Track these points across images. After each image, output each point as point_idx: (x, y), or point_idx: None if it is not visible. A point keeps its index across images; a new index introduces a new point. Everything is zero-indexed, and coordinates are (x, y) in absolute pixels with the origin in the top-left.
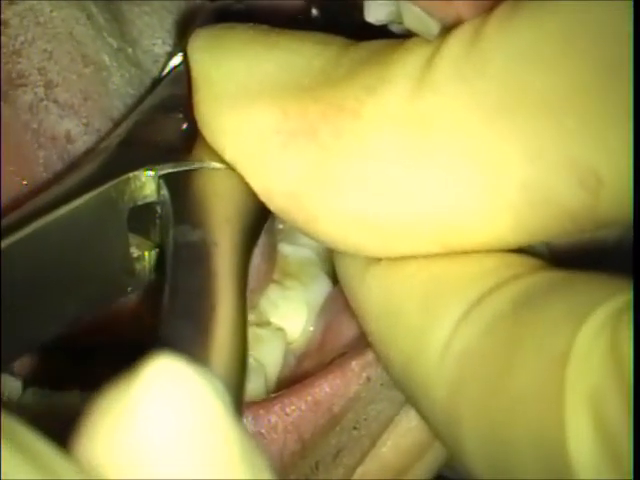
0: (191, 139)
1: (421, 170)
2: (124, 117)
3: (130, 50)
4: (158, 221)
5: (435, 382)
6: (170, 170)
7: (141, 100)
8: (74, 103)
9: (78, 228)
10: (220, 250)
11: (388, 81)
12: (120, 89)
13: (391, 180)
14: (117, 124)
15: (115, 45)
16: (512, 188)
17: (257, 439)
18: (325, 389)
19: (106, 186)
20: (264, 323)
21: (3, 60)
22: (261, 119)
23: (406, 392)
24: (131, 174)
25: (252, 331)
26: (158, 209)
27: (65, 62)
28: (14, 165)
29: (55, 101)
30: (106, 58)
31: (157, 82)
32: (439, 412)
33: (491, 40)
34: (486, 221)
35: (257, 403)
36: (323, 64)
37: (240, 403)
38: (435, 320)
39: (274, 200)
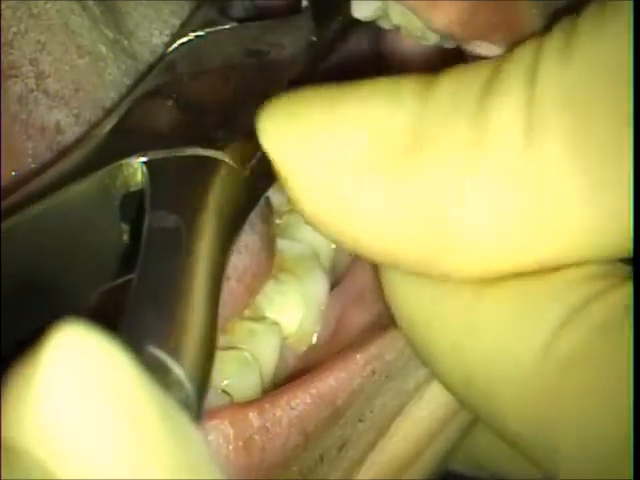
0: (184, 126)
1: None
2: (116, 105)
3: (126, 42)
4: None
5: (528, 393)
6: (159, 156)
7: (133, 87)
8: (65, 94)
9: (71, 215)
10: (196, 236)
11: (493, 133)
12: (117, 80)
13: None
14: (109, 111)
15: (111, 36)
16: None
17: (262, 433)
18: (330, 382)
19: (98, 173)
20: (259, 317)
21: None
22: (367, 202)
23: (481, 407)
24: (123, 161)
25: (247, 325)
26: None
27: (58, 53)
28: (3, 156)
29: (45, 92)
30: (103, 49)
31: (150, 69)
32: (529, 420)
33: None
34: (595, 236)
35: (263, 398)
36: (409, 121)
37: (204, 394)
38: (531, 326)
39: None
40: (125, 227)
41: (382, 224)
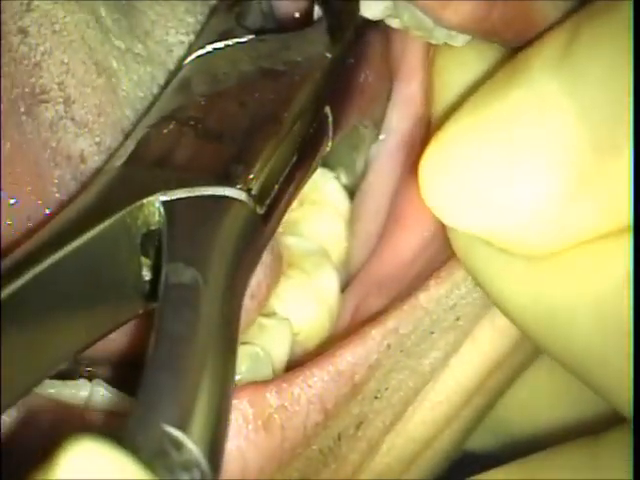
0: (202, 158)
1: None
2: (133, 127)
3: (140, 46)
4: None
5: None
6: (179, 196)
7: (150, 107)
8: (89, 120)
9: (93, 255)
10: (210, 291)
11: None
12: (130, 94)
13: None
14: (126, 136)
15: (123, 46)
16: None
17: (281, 412)
18: (347, 358)
19: (121, 213)
20: (270, 313)
21: (27, 73)
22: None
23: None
24: (145, 200)
25: (257, 321)
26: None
27: (80, 74)
28: (31, 185)
29: (73, 119)
30: (114, 63)
31: (166, 84)
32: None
33: None
34: None
35: (280, 377)
36: None
37: (218, 468)
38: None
39: None
40: (146, 261)
41: None
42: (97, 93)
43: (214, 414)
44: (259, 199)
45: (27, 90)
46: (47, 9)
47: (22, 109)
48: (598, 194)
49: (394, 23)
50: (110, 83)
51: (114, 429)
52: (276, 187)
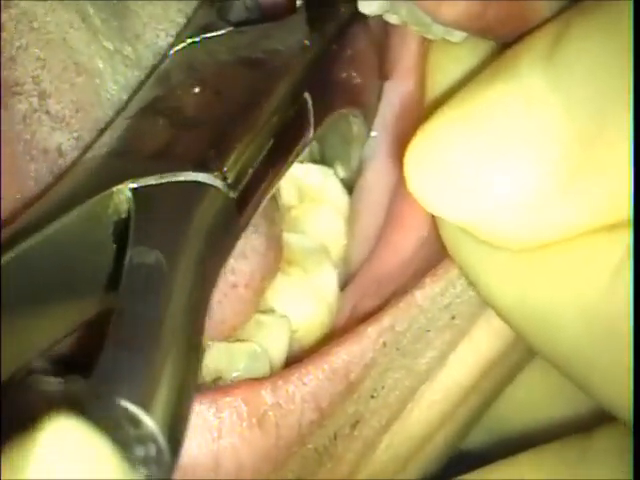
0: (176, 146)
1: None
2: (111, 121)
3: (129, 48)
4: None
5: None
6: (149, 183)
7: (129, 100)
8: (65, 115)
9: (64, 244)
10: (177, 274)
11: None
12: (114, 97)
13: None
14: (104, 129)
15: (111, 47)
16: None
17: (275, 410)
18: (342, 356)
19: (90, 201)
20: (268, 310)
21: (2, 66)
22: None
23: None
24: (114, 188)
25: (255, 318)
26: None
27: (58, 70)
28: (8, 176)
29: (47, 112)
30: (100, 64)
31: (147, 78)
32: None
33: None
34: None
35: (276, 374)
36: None
37: (178, 447)
38: (596, 263)
39: None
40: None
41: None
42: (75, 90)
43: (175, 393)
44: (233, 185)
45: (2, 83)
46: (26, 7)
47: None
48: (584, 189)
49: (392, 19)
50: (92, 83)
51: (73, 401)
52: (251, 173)
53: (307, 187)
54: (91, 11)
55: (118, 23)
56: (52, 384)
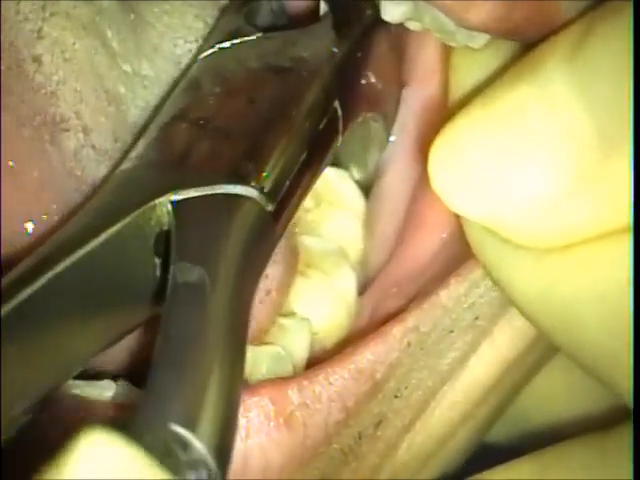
0: (212, 157)
1: None
2: (143, 129)
3: (146, 66)
4: None
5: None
6: (189, 195)
7: (159, 107)
8: (108, 148)
9: (107, 258)
10: (218, 290)
11: None
12: (137, 123)
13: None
14: (137, 139)
15: (130, 70)
16: None
17: (302, 409)
18: (367, 356)
19: (133, 215)
20: (289, 313)
21: (46, 102)
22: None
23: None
24: (157, 200)
25: (277, 321)
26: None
27: (93, 102)
28: (58, 214)
29: (93, 147)
30: (122, 89)
31: (176, 84)
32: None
33: None
34: None
35: (301, 374)
36: None
37: (226, 465)
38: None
39: None
40: (159, 261)
41: None
42: (110, 121)
43: (222, 413)
44: (271, 196)
45: (48, 119)
46: (56, 36)
47: (46, 137)
48: (601, 192)
49: (413, 26)
50: (120, 110)
51: (122, 424)
52: (287, 184)
53: (323, 190)
54: (109, 34)
55: (134, 40)
56: (98, 388)
